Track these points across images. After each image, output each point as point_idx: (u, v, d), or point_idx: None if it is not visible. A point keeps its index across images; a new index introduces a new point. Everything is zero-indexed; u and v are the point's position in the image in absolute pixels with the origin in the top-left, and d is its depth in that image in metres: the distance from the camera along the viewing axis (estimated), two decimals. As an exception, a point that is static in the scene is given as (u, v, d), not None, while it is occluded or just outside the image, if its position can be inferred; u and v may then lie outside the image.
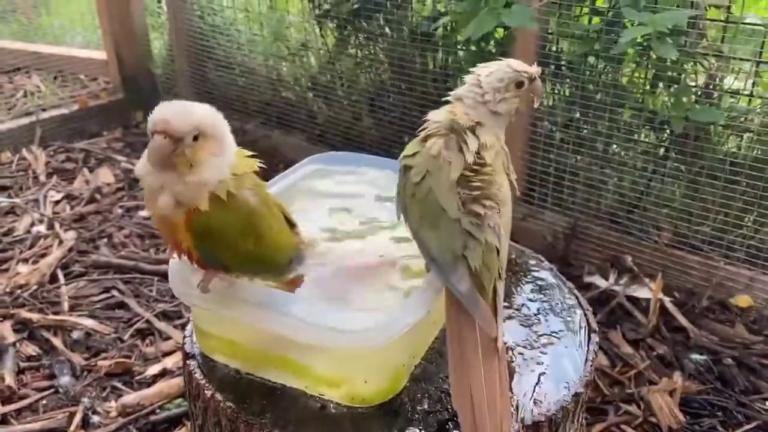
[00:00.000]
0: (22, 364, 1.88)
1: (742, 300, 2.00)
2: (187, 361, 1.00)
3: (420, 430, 0.87)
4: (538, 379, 0.95)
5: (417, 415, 0.89)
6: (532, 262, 1.26)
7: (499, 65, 0.98)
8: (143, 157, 0.86)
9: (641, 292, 2.07)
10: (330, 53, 2.87)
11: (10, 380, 1.79)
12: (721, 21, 1.94)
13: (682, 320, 1.98)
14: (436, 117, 0.97)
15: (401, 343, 0.88)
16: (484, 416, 0.80)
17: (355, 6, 2.60)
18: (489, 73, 0.98)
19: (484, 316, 0.84)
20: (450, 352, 0.85)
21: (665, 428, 1.65)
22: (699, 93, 1.99)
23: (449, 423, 0.88)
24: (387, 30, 2.62)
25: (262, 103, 3.16)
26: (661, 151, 2.16)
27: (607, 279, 2.13)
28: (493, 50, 2.35)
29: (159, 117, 0.84)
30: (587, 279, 2.15)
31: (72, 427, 1.67)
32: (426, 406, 0.91)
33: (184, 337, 1.06)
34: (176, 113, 0.84)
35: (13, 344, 1.92)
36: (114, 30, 3.52)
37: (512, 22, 1.92)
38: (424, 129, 0.96)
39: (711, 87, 1.99)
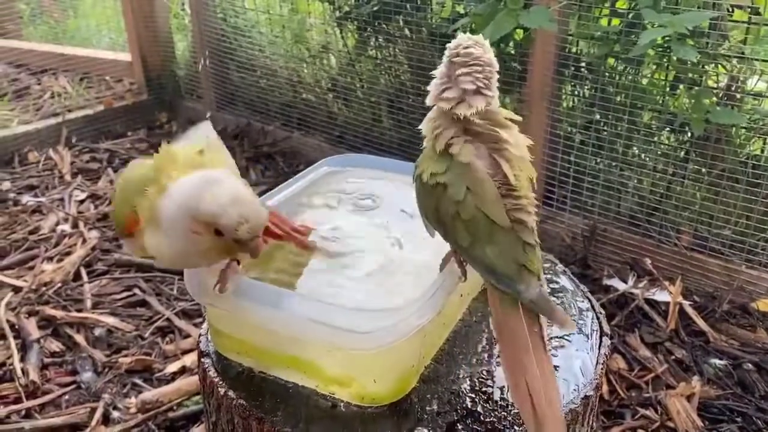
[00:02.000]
0: (46, 360, 1.92)
1: (763, 304, 1.97)
2: (202, 359, 1.02)
3: (429, 430, 0.87)
4: (548, 382, 0.95)
5: (426, 416, 0.90)
6: (546, 264, 1.26)
7: (466, 41, 0.89)
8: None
9: (660, 296, 2.05)
10: (350, 55, 2.88)
11: (34, 375, 1.83)
12: (743, 22, 1.92)
13: (702, 324, 1.96)
14: (439, 124, 0.89)
15: (411, 343, 0.89)
16: (545, 411, 0.79)
17: (375, 8, 2.61)
18: (482, 52, 0.88)
19: (559, 317, 0.83)
20: (503, 354, 0.85)
21: (682, 433, 1.63)
22: (720, 95, 1.97)
23: (458, 424, 0.89)
24: (407, 32, 2.63)
25: (283, 104, 3.19)
26: (682, 153, 2.14)
27: (626, 282, 2.11)
28: (513, 52, 2.35)
29: (259, 222, 0.82)
30: (606, 281, 2.13)
31: (93, 422, 1.70)
32: (435, 407, 0.91)
33: (200, 335, 1.07)
34: (257, 210, 0.82)
35: (38, 340, 1.96)
36: (139, 32, 3.58)
37: (531, 23, 1.92)
38: (440, 138, 0.88)
39: (733, 89, 1.96)
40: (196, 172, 0.84)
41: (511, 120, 0.91)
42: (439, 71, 0.91)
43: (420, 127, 0.94)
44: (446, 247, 0.96)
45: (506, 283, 0.84)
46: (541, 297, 0.83)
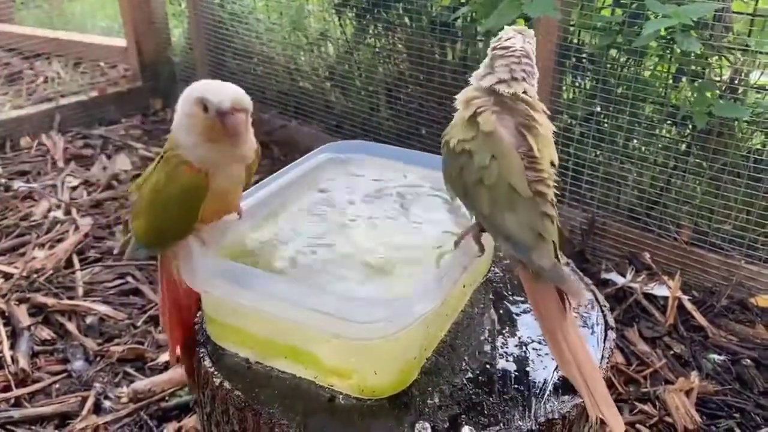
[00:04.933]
0: (37, 348, 1.89)
1: (763, 300, 1.96)
2: (197, 349, 0.99)
3: (430, 423, 0.85)
4: (552, 376, 0.93)
5: (428, 409, 0.87)
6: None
7: (513, 32, 0.98)
8: (201, 147, 0.93)
9: (659, 290, 2.04)
10: (348, 43, 2.85)
11: (24, 363, 1.80)
12: (747, 14, 1.90)
13: (701, 319, 1.94)
14: (474, 96, 0.94)
15: (413, 335, 0.87)
16: (591, 374, 0.85)
17: (375, -5, 2.58)
18: (526, 41, 0.97)
19: (571, 286, 0.87)
20: (543, 325, 0.89)
21: (681, 428, 1.62)
22: (723, 88, 1.95)
23: (460, 417, 0.86)
24: (406, 20, 2.60)
25: (279, 92, 3.15)
26: (683, 146, 2.12)
27: (624, 276, 2.10)
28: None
29: (237, 96, 0.92)
30: (604, 275, 2.12)
31: (84, 412, 1.68)
32: (436, 400, 0.89)
33: (195, 323, 1.05)
34: (238, 90, 0.93)
35: (28, 328, 1.93)
36: (134, 17, 3.53)
37: (534, 11, 1.89)
38: (470, 106, 0.93)
39: (736, 82, 1.94)
40: None
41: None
42: (482, 63, 0.98)
43: (455, 96, 0.97)
44: (452, 234, 0.95)
45: (521, 250, 0.86)
46: (553, 266, 0.85)
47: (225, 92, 0.91)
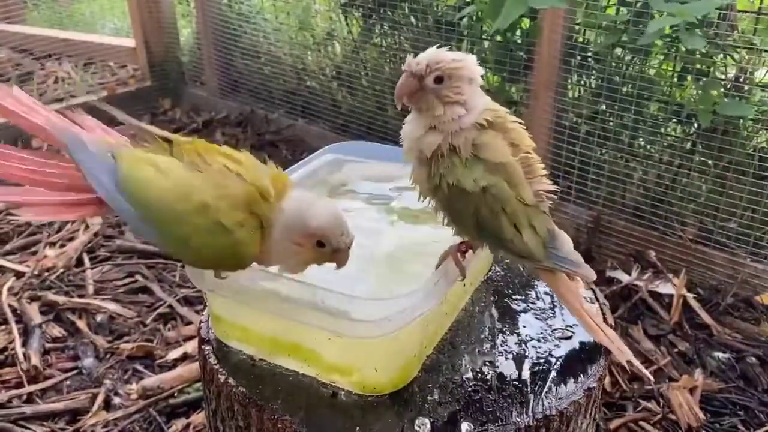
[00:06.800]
0: (48, 345, 1.92)
1: (768, 298, 1.97)
2: (203, 346, 1.01)
3: (430, 420, 0.87)
4: (551, 373, 0.95)
5: (427, 405, 0.89)
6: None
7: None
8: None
9: (664, 288, 2.04)
10: (355, 42, 2.86)
11: (35, 360, 1.83)
12: (753, 12, 1.90)
13: (705, 317, 1.95)
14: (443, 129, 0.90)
15: (412, 333, 0.88)
16: (610, 333, 0.97)
17: (381, -5, 2.59)
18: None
19: (587, 269, 0.95)
20: (573, 309, 0.96)
21: (684, 426, 1.63)
22: (728, 86, 1.95)
23: (459, 413, 0.88)
24: (412, 19, 2.61)
25: (286, 92, 3.17)
26: (688, 144, 2.13)
27: (629, 274, 2.10)
28: (519, 41, 2.33)
29: (353, 234, 0.89)
30: (610, 273, 2.13)
31: (94, 408, 1.71)
32: (436, 397, 0.90)
33: (201, 322, 1.07)
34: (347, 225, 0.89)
35: (40, 325, 1.96)
36: (143, 18, 3.56)
37: (541, 3, 1.88)
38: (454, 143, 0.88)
39: (741, 80, 1.94)
40: (294, 193, 0.90)
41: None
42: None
43: (408, 139, 0.93)
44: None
45: (547, 254, 0.91)
46: (574, 256, 0.94)
47: (343, 232, 0.87)
